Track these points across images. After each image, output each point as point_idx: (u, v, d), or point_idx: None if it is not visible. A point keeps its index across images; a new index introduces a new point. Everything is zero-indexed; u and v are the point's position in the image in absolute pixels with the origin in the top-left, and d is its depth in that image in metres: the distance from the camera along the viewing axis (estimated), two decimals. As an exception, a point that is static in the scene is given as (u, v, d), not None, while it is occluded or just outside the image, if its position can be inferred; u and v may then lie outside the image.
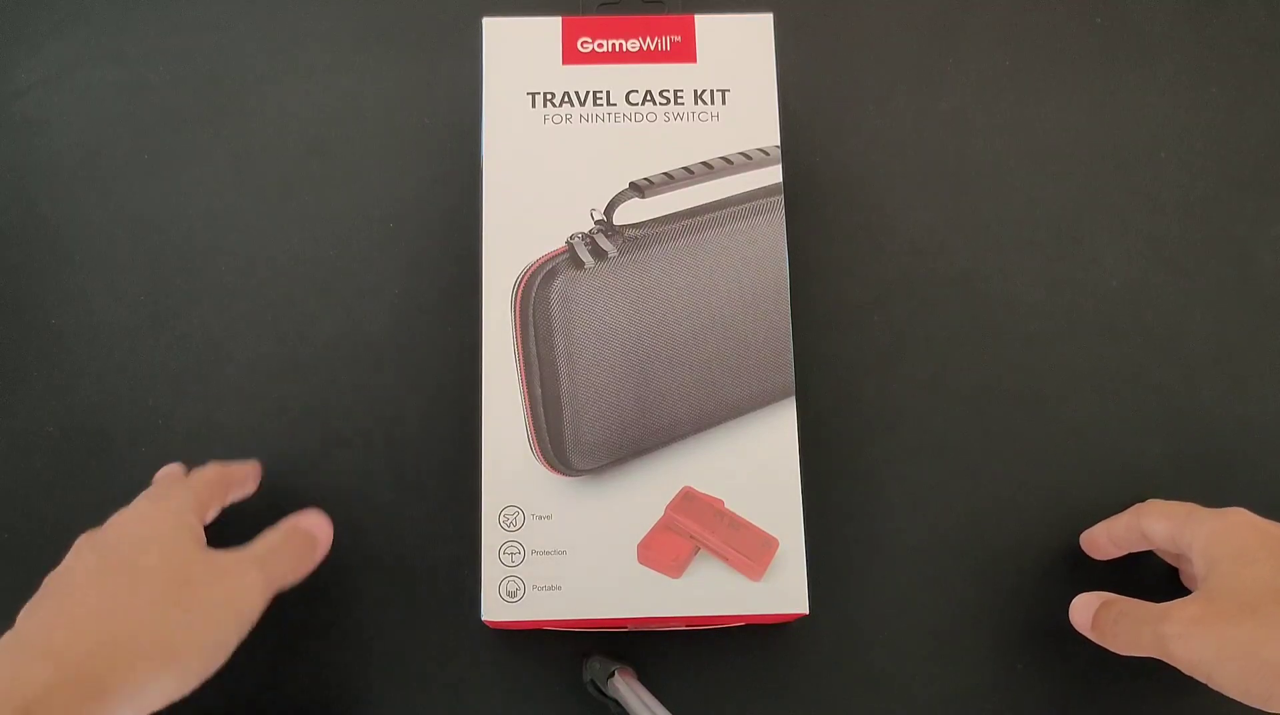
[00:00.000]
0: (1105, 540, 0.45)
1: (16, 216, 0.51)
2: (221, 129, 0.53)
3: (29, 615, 0.36)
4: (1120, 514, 0.45)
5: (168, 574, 0.37)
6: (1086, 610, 0.42)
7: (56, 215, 0.51)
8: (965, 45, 0.54)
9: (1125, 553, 0.45)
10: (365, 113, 0.53)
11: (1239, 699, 0.36)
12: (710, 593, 0.41)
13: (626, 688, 0.42)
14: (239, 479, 0.45)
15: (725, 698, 0.46)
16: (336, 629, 0.46)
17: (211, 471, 0.44)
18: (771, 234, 0.44)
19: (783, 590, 0.40)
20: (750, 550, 0.41)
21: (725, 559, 0.41)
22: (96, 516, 0.47)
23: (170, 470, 0.46)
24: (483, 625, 0.42)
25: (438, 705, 0.46)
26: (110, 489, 0.48)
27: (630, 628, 0.44)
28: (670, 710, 0.41)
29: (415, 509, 0.48)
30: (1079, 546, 0.47)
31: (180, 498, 0.41)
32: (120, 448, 0.48)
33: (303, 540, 0.42)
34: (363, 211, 0.51)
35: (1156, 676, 0.40)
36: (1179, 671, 0.38)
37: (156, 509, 0.40)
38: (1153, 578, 0.47)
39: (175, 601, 0.36)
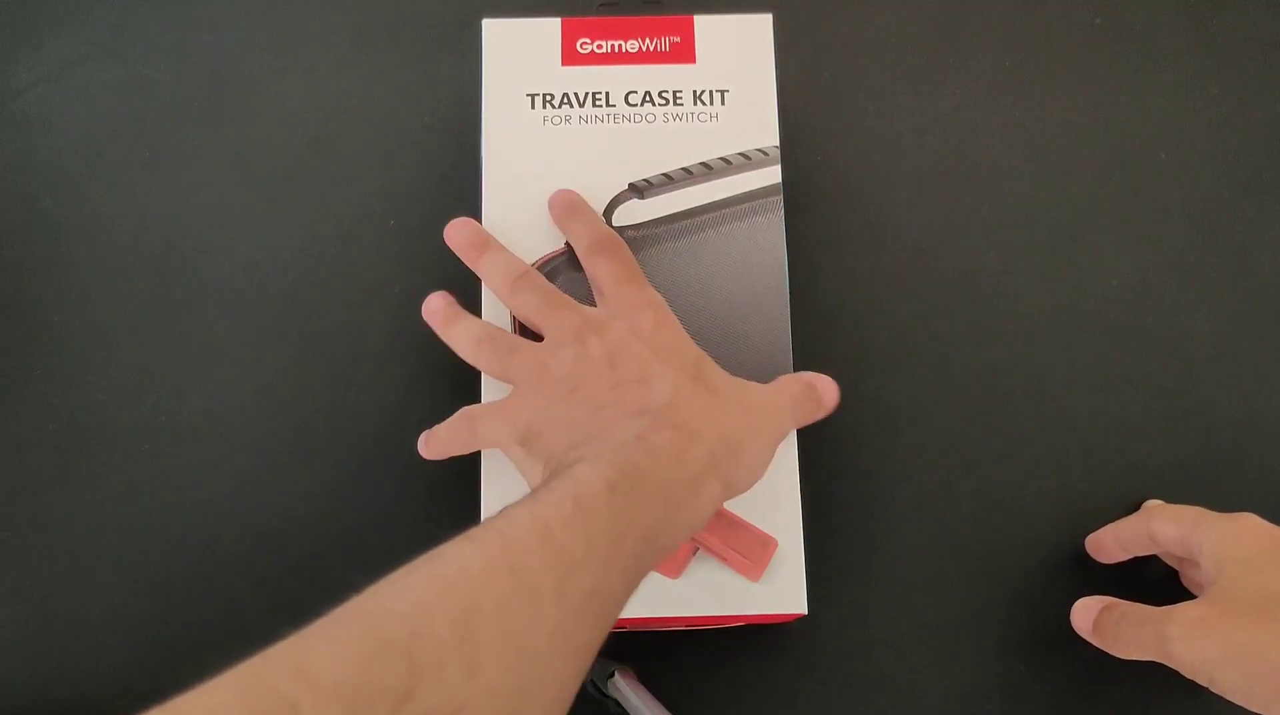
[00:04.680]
0: (1112, 543, 0.45)
1: (17, 215, 0.51)
2: (222, 127, 0.53)
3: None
4: (1127, 517, 0.45)
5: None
6: (1088, 614, 0.42)
7: (57, 213, 0.51)
8: (965, 45, 0.54)
9: (1131, 556, 0.45)
10: (366, 111, 0.53)
11: (1241, 703, 0.36)
12: (709, 593, 0.41)
13: (627, 688, 0.42)
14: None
15: (725, 698, 0.46)
16: (336, 628, 0.46)
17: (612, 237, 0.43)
18: (770, 234, 0.44)
19: (781, 591, 0.41)
20: (749, 550, 0.41)
21: (724, 559, 0.41)
22: (96, 516, 0.47)
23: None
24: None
25: (438, 704, 0.46)
26: (111, 488, 0.48)
27: (630, 628, 0.44)
28: (670, 710, 0.41)
29: (415, 509, 0.48)
30: (1081, 548, 0.47)
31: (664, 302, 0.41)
32: (121, 446, 0.48)
33: (815, 398, 0.42)
34: (364, 210, 0.51)
35: (1159, 681, 0.40)
36: (1182, 676, 0.37)
37: (671, 328, 0.40)
38: (1155, 581, 0.47)
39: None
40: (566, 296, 0.41)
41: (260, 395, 0.49)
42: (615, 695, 0.42)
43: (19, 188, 0.52)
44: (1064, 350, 0.50)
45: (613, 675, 0.43)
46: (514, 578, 0.29)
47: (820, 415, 0.42)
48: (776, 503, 0.41)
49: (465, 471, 0.44)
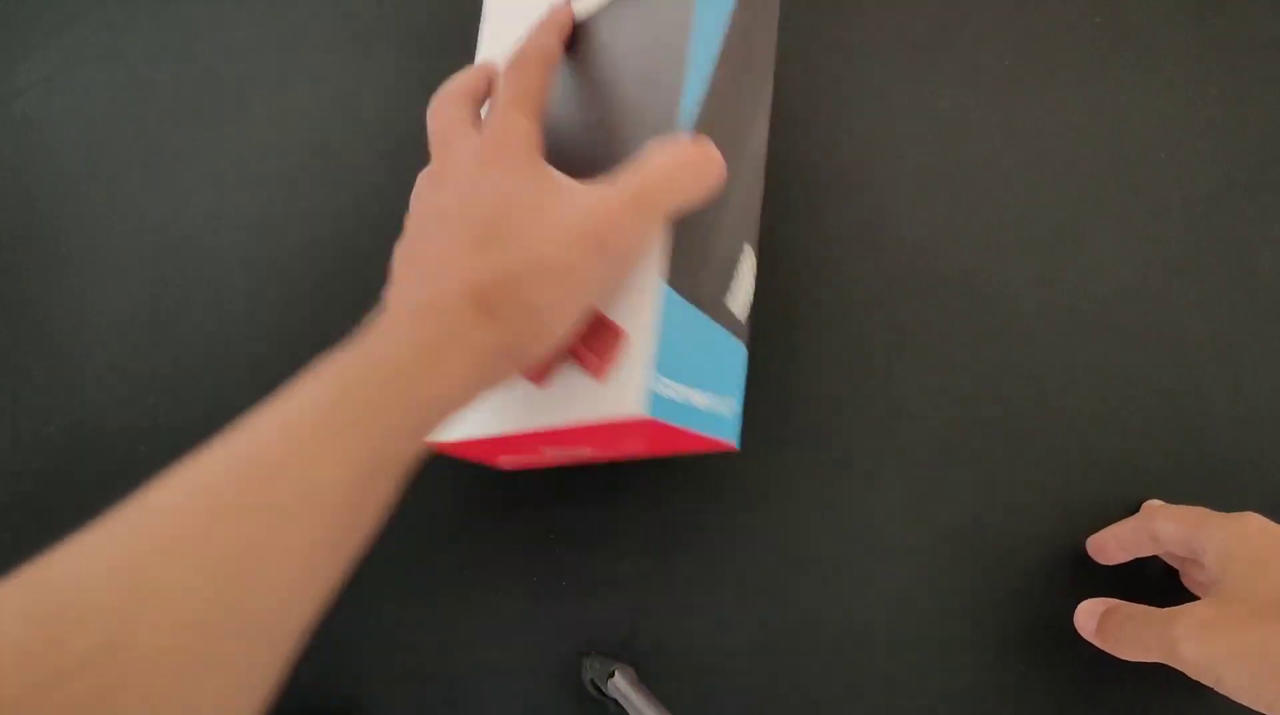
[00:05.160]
0: (1114, 545, 0.45)
1: (16, 216, 0.51)
2: (222, 127, 0.53)
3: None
4: (1128, 518, 0.45)
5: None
6: (1091, 616, 0.42)
7: (56, 215, 0.51)
8: (965, 45, 0.54)
9: (1132, 557, 0.45)
10: (366, 112, 0.53)
11: (1248, 703, 0.36)
12: (563, 401, 0.37)
13: (627, 687, 0.42)
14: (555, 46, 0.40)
15: (725, 698, 0.46)
16: (332, 626, 0.46)
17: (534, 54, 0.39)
18: (676, 23, 0.39)
19: (622, 390, 0.35)
20: (596, 345, 0.36)
21: (574, 355, 0.37)
22: (95, 517, 0.47)
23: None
24: (481, 624, 0.42)
25: (436, 704, 0.46)
26: (110, 488, 0.48)
27: (510, 467, 0.41)
28: (670, 711, 0.41)
29: (412, 507, 0.48)
30: (1081, 548, 0.47)
31: (524, 126, 0.37)
32: (120, 447, 0.48)
33: (683, 187, 0.35)
34: (364, 210, 0.51)
35: (1160, 680, 0.40)
36: (1183, 676, 0.38)
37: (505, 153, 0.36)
38: (1155, 582, 0.47)
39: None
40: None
41: (260, 397, 0.49)
42: (615, 695, 0.42)
43: (19, 188, 0.52)
44: (1064, 350, 0.50)
45: (612, 674, 0.43)
46: (206, 496, 0.30)
47: (704, 191, 0.36)
48: (632, 293, 0.37)
49: (466, 468, 0.44)
